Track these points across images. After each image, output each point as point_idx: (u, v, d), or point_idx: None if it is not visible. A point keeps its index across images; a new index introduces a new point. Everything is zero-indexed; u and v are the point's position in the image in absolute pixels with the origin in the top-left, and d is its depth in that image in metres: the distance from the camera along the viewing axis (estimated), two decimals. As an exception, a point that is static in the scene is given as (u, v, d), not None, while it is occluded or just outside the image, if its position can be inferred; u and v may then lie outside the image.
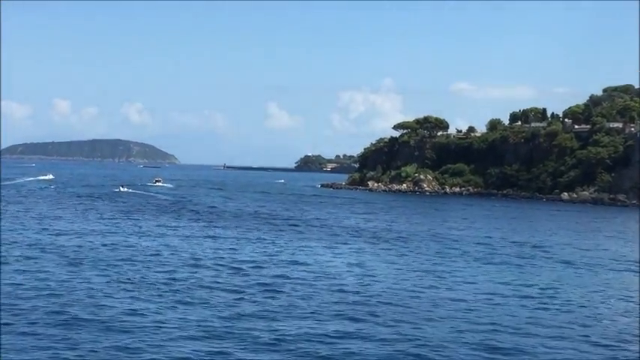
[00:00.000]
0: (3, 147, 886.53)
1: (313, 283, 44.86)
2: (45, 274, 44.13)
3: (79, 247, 57.65)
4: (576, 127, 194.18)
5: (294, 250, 61.28)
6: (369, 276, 48.33)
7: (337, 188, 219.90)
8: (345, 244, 67.34)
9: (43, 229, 70.52)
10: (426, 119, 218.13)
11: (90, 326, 31.74)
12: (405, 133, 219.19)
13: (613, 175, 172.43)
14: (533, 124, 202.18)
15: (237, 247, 62.19)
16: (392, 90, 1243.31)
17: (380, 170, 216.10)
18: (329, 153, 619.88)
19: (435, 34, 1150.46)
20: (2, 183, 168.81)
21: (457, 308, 38.54)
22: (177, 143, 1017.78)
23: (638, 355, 30.51)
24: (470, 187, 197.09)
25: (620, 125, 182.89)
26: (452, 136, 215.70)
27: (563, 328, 34.84)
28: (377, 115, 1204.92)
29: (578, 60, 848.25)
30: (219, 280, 44.40)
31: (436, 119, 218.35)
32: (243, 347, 29.40)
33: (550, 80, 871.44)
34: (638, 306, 40.85)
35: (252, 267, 50.37)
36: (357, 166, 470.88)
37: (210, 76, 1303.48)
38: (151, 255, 54.58)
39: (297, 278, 46.21)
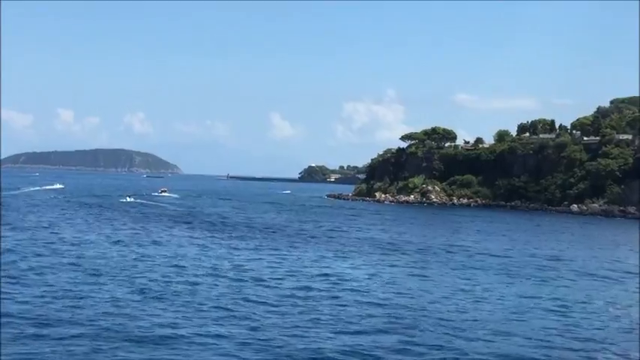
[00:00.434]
0: (5, 156, 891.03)
1: (339, 295, 44.03)
2: (70, 285, 43.38)
3: (101, 258, 56.85)
4: (585, 138, 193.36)
5: (313, 261, 60.43)
6: (395, 288, 47.52)
7: (344, 199, 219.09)
8: (363, 255, 66.49)
9: (61, 238, 69.87)
10: (434, 130, 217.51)
11: (121, 339, 30.97)
12: (413, 144, 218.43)
13: (623, 187, 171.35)
14: (541, 136, 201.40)
15: (256, 258, 61.37)
16: (394, 100, 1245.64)
17: (387, 181, 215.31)
18: (332, 163, 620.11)
19: (437, 45, 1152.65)
20: (10, 192, 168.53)
21: (490, 320, 37.76)
22: (180, 153, 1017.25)
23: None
24: (478, 199, 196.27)
25: (630, 137, 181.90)
26: (460, 147, 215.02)
27: (604, 343, 33.95)
28: (380, 126, 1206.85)
29: (579, 72, 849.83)
30: (245, 292, 43.61)
31: (444, 130, 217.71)
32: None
33: (552, 92, 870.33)
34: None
35: (275, 278, 49.57)
36: (361, 177, 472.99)
37: (212, 86, 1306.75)
38: (172, 266, 53.87)
39: (323, 290, 45.41)
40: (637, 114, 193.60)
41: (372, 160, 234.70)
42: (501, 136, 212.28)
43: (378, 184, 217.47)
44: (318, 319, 36.79)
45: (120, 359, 28.23)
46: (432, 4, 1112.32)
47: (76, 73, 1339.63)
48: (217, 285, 46.00)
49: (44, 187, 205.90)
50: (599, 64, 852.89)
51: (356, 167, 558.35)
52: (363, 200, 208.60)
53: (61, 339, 30.56)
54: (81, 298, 39.57)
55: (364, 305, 40.91)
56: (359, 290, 46.00)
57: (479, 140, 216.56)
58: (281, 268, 55.63)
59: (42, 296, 39.55)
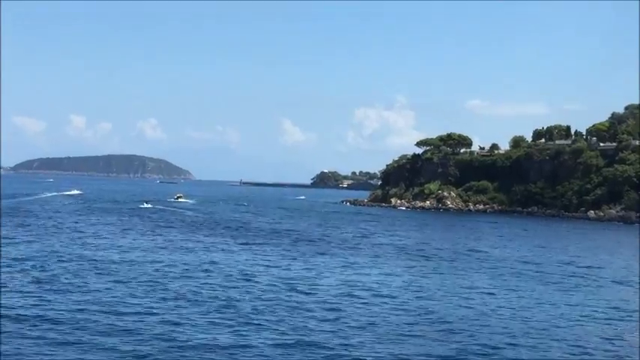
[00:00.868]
0: (18, 162, 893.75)
1: (374, 301, 44.26)
2: (105, 292, 43.74)
3: (132, 264, 57.20)
4: (601, 144, 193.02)
5: (342, 268, 60.52)
6: (427, 294, 47.73)
7: (360, 205, 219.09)
8: (394, 261, 66.61)
9: (87, 244, 70.26)
10: (449, 136, 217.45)
11: (160, 347, 31.38)
12: (428, 150, 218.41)
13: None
14: (557, 142, 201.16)
15: (288, 264, 61.50)
16: (405, 106, 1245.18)
17: (403, 187, 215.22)
18: (343, 169, 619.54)
19: (447, 51, 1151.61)
20: (27, 198, 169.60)
21: (535, 328, 37.95)
22: (192, 159, 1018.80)
23: None
24: (494, 205, 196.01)
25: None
26: (475, 153, 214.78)
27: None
28: (390, 132, 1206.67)
29: (590, 77, 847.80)
30: (284, 299, 43.83)
31: (459, 136, 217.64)
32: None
33: (562, 97, 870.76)
34: None
35: (307, 285, 49.74)
36: (374, 182, 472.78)
37: (223, 92, 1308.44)
38: (202, 271, 54.30)
39: (358, 297, 45.52)
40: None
41: (387, 165, 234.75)
42: (517, 142, 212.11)
43: (394, 190, 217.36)
44: (361, 326, 37.03)
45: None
46: (442, 11, 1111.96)
47: (88, 79, 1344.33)
48: (255, 291, 46.17)
49: (62, 193, 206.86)
50: (609, 70, 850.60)
51: (368, 173, 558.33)
52: (379, 206, 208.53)
53: (105, 348, 31.02)
54: (123, 305, 39.94)
55: (400, 312, 41.16)
56: (393, 297, 46.21)
57: (494, 146, 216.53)
58: (314, 274, 55.83)
59: (79, 302, 39.94)
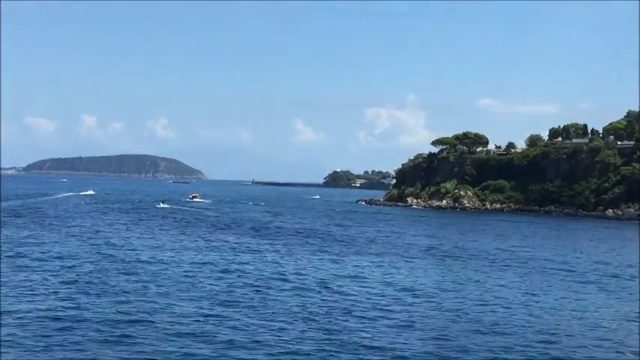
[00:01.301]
0: (30, 162, 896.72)
1: (414, 301, 43.84)
2: (143, 293, 43.40)
3: (166, 265, 56.95)
4: (619, 143, 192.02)
5: (374, 267, 60.13)
6: (465, 295, 47.22)
7: (376, 205, 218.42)
8: (420, 261, 66.14)
9: (115, 245, 69.97)
10: (465, 135, 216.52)
11: (204, 347, 31.00)
12: (444, 149, 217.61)
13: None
14: (574, 140, 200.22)
15: (316, 264, 61.16)
16: (416, 106, 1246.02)
17: (419, 186, 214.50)
18: (354, 169, 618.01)
19: (458, 50, 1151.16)
20: (43, 198, 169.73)
21: (581, 327, 37.49)
22: (203, 159, 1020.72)
23: None
24: (511, 204, 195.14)
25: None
26: (492, 152, 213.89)
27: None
28: (402, 131, 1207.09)
29: (603, 76, 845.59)
30: (320, 299, 43.49)
31: (475, 135, 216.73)
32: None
33: (574, 96, 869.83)
34: None
35: (342, 285, 49.31)
36: (386, 182, 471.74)
37: (234, 92, 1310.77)
38: (237, 271, 53.95)
39: (395, 297, 45.14)
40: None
41: (402, 165, 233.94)
42: (533, 140, 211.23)
43: (410, 189, 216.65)
44: (405, 326, 36.66)
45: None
46: (453, 11, 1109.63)
47: (99, 80, 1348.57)
48: (291, 291, 45.91)
49: (78, 193, 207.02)
50: (621, 68, 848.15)
51: (380, 172, 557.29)
52: (395, 205, 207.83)
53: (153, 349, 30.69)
54: (161, 307, 39.55)
55: (439, 312, 40.73)
56: (431, 296, 45.76)
57: (510, 145, 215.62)
58: (348, 274, 55.43)
59: (119, 304, 39.63)
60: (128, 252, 64.16)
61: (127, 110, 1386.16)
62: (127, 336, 32.25)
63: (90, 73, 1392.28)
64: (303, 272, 55.19)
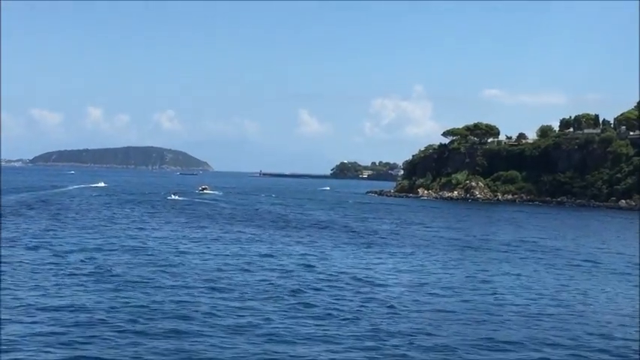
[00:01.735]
0: (37, 154, 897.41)
1: (453, 293, 43.39)
2: (172, 286, 42.94)
3: (190, 258, 56.51)
4: (631, 133, 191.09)
5: (403, 261, 59.36)
6: (498, 286, 46.82)
7: (386, 196, 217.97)
8: (444, 254, 65.39)
9: (135, 237, 69.58)
10: (476, 126, 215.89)
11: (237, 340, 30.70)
12: (455, 140, 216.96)
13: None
14: (585, 131, 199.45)
15: (340, 256, 60.83)
16: (422, 97, 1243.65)
17: (430, 177, 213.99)
18: (360, 160, 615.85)
19: (465, 40, 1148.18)
20: (54, 190, 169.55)
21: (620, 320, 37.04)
22: (209, 150, 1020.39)
23: None
24: (522, 195, 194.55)
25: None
26: (503, 143, 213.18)
27: None
28: (408, 122, 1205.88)
29: (610, 67, 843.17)
30: (350, 292, 42.98)
31: (486, 126, 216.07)
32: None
33: (581, 87, 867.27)
34: None
35: (372, 277, 48.86)
36: (394, 173, 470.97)
37: (240, 84, 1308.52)
38: (264, 265, 53.43)
39: (435, 293, 44.42)
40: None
41: (413, 156, 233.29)
42: (544, 131, 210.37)
43: (421, 180, 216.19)
44: (451, 317, 36.29)
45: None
46: (458, 2, 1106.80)
47: (104, 71, 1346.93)
48: (321, 285, 45.29)
49: (89, 185, 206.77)
50: (628, 59, 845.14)
51: (388, 163, 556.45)
52: (406, 197, 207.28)
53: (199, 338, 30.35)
54: (204, 303, 39.15)
55: (487, 306, 40.35)
56: (467, 291, 45.36)
57: (522, 135, 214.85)
58: (375, 267, 54.88)
59: (148, 295, 39.29)
60: (155, 245, 63.66)
61: (133, 102, 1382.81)
62: (166, 329, 31.93)
63: (96, 65, 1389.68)
64: (334, 265, 54.61)
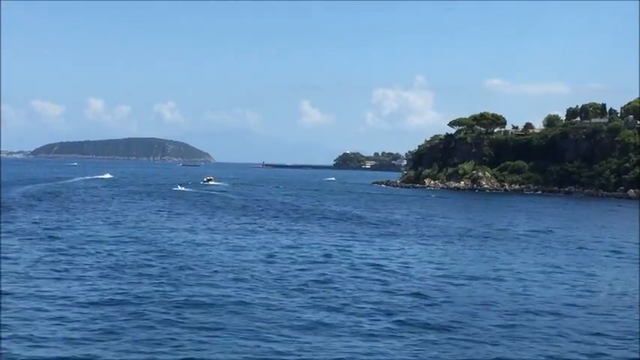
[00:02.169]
0: (38, 146, 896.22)
1: (480, 284, 42.88)
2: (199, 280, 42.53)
3: (212, 249, 56.24)
4: (638, 122, 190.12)
5: (424, 252, 58.85)
6: (525, 277, 46.27)
7: (393, 186, 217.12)
8: (466, 245, 64.76)
9: (154, 229, 69.18)
10: (483, 115, 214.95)
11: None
12: (461, 130, 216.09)
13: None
14: (593, 120, 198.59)
15: (361, 247, 60.30)
16: (424, 87, 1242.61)
17: (436, 168, 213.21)
18: (363, 150, 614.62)
19: (467, 30, 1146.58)
20: (60, 182, 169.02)
21: None
22: (211, 141, 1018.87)
23: None
24: (530, 185, 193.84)
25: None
26: (510, 133, 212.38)
27: None
28: (409, 112, 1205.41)
29: (612, 56, 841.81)
30: (377, 284, 42.60)
31: (493, 115, 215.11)
32: None
33: (585, 76, 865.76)
34: None
35: (397, 268, 48.45)
36: (397, 163, 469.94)
37: (242, 75, 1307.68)
38: (287, 256, 52.91)
39: (462, 284, 43.95)
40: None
41: (419, 146, 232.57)
42: (551, 121, 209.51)
43: (427, 170, 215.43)
44: (488, 309, 35.72)
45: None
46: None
47: (105, 63, 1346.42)
48: (348, 276, 44.90)
49: (95, 177, 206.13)
50: (630, 48, 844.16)
51: (391, 154, 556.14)
52: (413, 187, 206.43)
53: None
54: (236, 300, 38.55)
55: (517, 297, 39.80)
56: (502, 282, 44.88)
57: (528, 125, 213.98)
58: (399, 258, 54.36)
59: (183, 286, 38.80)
60: (173, 237, 63.26)
61: (134, 93, 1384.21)
62: (200, 321, 31.45)
63: (96, 57, 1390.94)
64: (357, 256, 54.20)
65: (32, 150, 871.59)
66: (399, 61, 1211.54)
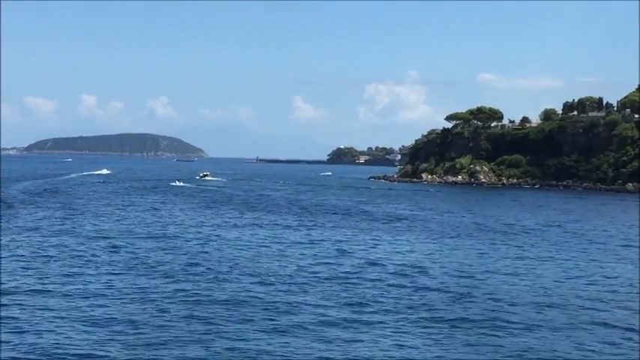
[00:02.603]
0: (31, 142, 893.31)
1: (501, 279, 42.90)
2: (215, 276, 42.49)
3: (225, 245, 56.27)
4: (636, 116, 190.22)
5: (438, 249, 58.57)
6: (541, 273, 46.31)
7: (390, 181, 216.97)
8: (478, 240, 64.36)
9: (162, 224, 69.16)
10: (480, 110, 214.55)
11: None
12: (458, 124, 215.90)
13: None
14: (590, 114, 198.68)
15: (373, 243, 60.44)
16: (416, 81, 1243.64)
17: (433, 162, 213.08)
18: (356, 145, 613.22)
19: (459, 25, 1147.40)
20: (58, 179, 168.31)
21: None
22: (204, 137, 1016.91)
23: None
24: (527, 179, 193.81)
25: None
26: (506, 127, 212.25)
27: None
28: (402, 107, 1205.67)
29: (605, 50, 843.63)
30: (395, 280, 42.58)
31: (490, 109, 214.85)
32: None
33: (577, 70, 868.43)
34: None
35: (412, 265, 48.46)
36: (391, 157, 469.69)
37: (234, 71, 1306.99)
38: (301, 251, 53.06)
39: (482, 280, 44.08)
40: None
41: (416, 140, 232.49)
42: (548, 114, 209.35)
43: (424, 165, 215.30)
44: (509, 305, 35.73)
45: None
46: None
47: (97, 59, 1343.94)
48: (359, 272, 45.05)
49: (92, 173, 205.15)
50: (622, 41, 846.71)
51: (384, 148, 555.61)
52: (410, 182, 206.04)
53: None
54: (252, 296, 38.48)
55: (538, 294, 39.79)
56: (521, 277, 44.99)
57: (525, 119, 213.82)
58: (413, 253, 54.55)
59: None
60: (180, 232, 63.54)
61: (127, 89, 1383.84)
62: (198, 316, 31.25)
63: (89, 52, 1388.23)
64: (370, 252, 54.28)
65: (25, 146, 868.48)
66: (392, 57, 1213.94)
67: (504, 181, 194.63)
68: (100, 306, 33.31)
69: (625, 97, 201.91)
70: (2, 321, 30.09)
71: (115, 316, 31.41)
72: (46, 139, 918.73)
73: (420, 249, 57.07)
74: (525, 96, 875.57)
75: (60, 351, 26.62)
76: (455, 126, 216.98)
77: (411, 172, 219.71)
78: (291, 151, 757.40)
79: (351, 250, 54.55)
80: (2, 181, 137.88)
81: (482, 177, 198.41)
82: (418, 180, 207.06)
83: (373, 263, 48.25)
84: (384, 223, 78.50)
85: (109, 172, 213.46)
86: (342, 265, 47.34)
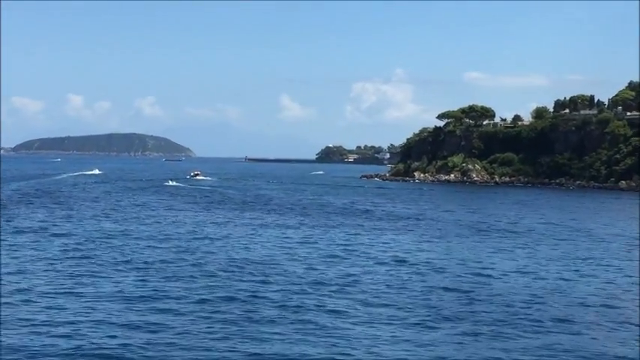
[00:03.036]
0: (18, 143, 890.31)
1: (513, 280, 42.70)
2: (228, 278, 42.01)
3: (226, 245, 55.91)
4: (628, 114, 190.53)
5: (444, 247, 58.54)
6: (551, 272, 46.08)
7: (382, 179, 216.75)
8: (482, 240, 64.12)
9: (164, 226, 68.65)
10: (472, 108, 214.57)
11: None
12: (450, 122, 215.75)
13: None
14: (582, 112, 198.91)
15: (378, 241, 60.34)
16: (403, 80, 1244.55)
17: (425, 161, 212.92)
18: (344, 144, 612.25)
19: (446, 23, 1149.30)
20: (49, 179, 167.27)
21: None
22: (192, 136, 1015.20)
23: None
24: (520, 177, 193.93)
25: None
26: (499, 125, 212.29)
27: None
28: (389, 105, 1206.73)
29: (591, 47, 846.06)
30: (403, 278, 42.53)
31: (482, 108, 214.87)
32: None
33: (564, 68, 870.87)
34: None
35: (423, 264, 48.16)
36: (379, 156, 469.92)
37: (222, 70, 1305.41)
38: (308, 250, 52.81)
39: (495, 279, 43.89)
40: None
41: (407, 139, 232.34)
42: (539, 112, 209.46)
43: (416, 163, 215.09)
44: (526, 305, 35.53)
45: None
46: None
47: (84, 58, 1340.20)
48: (372, 270, 45.05)
49: (83, 173, 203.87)
50: (611, 40, 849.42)
51: (373, 147, 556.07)
52: (403, 180, 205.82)
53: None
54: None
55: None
56: (533, 276, 44.89)
57: (517, 118, 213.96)
58: (420, 252, 54.27)
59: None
60: (182, 233, 62.91)
61: (114, 89, 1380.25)
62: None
63: (75, 52, 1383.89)
64: (378, 251, 54.05)
65: (13, 147, 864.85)
66: (379, 55, 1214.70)
67: (497, 180, 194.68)
68: (113, 308, 32.92)
69: (617, 95, 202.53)
70: (13, 321, 29.85)
71: (131, 318, 31.05)
72: (33, 139, 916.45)
73: (428, 247, 57.00)
74: (512, 94, 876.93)
75: (77, 352, 26.52)
76: (447, 124, 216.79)
77: (403, 170, 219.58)
78: (279, 150, 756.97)
79: (359, 250, 54.32)
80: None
81: (474, 175, 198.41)
82: (410, 179, 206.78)
83: (383, 262, 48.01)
84: (387, 221, 78.34)
85: (100, 172, 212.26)
86: (350, 264, 47.30)
